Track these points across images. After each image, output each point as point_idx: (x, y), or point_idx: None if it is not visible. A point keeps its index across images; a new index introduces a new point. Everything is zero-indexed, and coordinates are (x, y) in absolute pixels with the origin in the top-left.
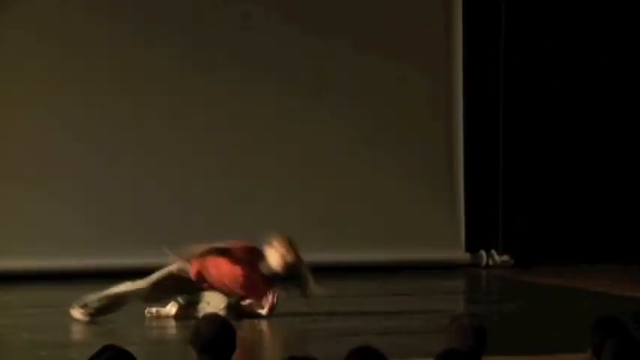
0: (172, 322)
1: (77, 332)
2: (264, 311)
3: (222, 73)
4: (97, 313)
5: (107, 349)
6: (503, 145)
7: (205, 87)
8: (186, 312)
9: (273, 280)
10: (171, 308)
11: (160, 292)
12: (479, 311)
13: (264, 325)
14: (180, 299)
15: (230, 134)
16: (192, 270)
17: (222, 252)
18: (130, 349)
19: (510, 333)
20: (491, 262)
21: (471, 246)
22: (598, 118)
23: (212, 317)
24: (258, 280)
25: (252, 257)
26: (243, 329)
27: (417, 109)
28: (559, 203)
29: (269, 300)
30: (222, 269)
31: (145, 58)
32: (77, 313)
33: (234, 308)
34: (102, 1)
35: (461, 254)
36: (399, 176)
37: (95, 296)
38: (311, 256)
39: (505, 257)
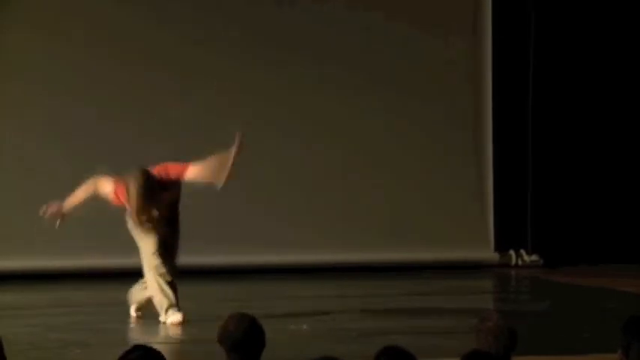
0: (201, 321)
1: (105, 332)
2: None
3: (259, 61)
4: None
5: (137, 348)
6: (533, 144)
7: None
8: None
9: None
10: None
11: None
12: (508, 311)
13: (293, 324)
14: None
15: (252, 127)
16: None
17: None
18: (159, 348)
19: (539, 333)
20: (520, 262)
21: (500, 246)
22: (629, 118)
23: (241, 316)
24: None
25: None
26: (271, 328)
27: (446, 111)
28: (589, 203)
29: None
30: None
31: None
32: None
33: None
34: None
35: (490, 254)
36: (428, 176)
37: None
38: (339, 256)
39: (534, 257)
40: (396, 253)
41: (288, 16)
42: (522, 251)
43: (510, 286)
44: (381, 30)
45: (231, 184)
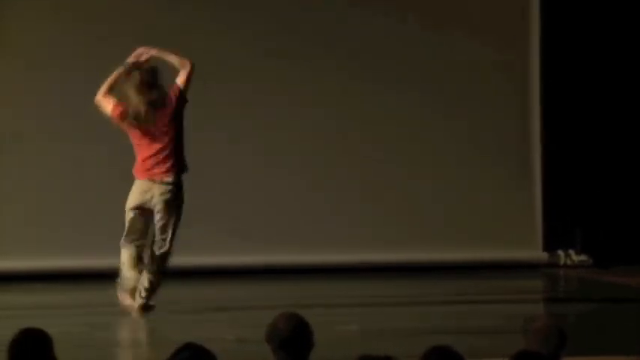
0: (250, 320)
1: (152, 330)
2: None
3: (298, 60)
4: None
5: (187, 347)
6: (582, 142)
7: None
8: None
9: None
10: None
11: None
12: (556, 312)
13: (340, 323)
14: None
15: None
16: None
17: None
18: (210, 348)
19: (588, 334)
20: (569, 262)
21: (549, 245)
22: None
23: (289, 314)
24: None
25: None
26: (318, 327)
27: (493, 107)
28: (639, 202)
29: None
30: None
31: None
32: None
33: None
34: None
35: (538, 254)
36: (475, 175)
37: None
38: (386, 256)
39: (583, 257)
40: (443, 252)
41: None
42: (571, 251)
43: (559, 286)
44: (425, 32)
45: (271, 184)
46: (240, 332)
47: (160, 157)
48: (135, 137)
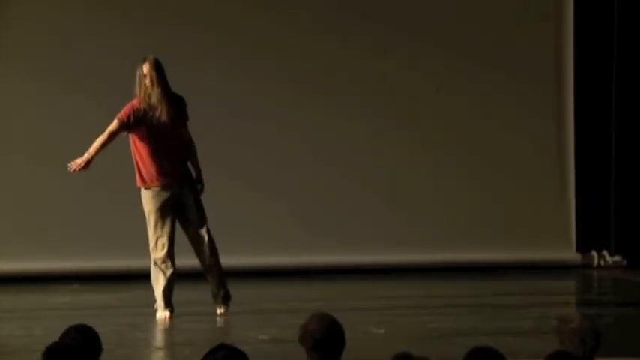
0: (282, 321)
1: (190, 331)
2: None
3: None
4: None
5: (221, 348)
6: (615, 142)
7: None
8: None
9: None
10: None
11: None
12: (590, 313)
13: (373, 325)
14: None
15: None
16: None
17: None
18: (243, 348)
19: (622, 335)
20: (602, 263)
21: (582, 246)
22: None
23: (321, 315)
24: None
25: None
26: (350, 329)
27: (527, 108)
28: None
29: None
30: None
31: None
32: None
33: None
34: None
35: (572, 255)
36: (508, 175)
37: None
38: (417, 257)
39: (617, 258)
40: (475, 252)
41: None
42: (605, 252)
43: (593, 287)
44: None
45: (312, 185)
46: (273, 332)
47: None
48: None
